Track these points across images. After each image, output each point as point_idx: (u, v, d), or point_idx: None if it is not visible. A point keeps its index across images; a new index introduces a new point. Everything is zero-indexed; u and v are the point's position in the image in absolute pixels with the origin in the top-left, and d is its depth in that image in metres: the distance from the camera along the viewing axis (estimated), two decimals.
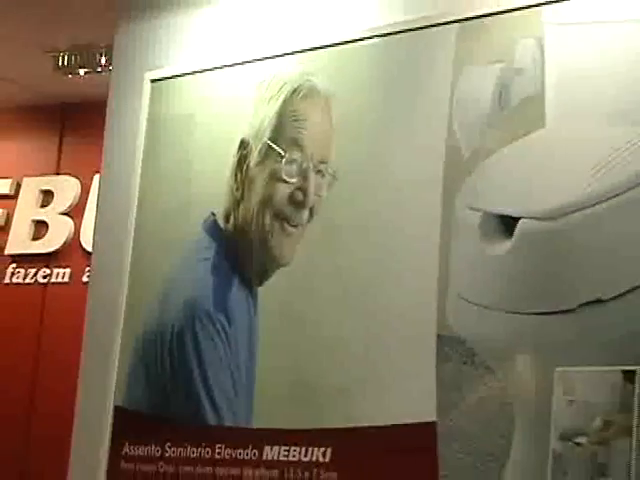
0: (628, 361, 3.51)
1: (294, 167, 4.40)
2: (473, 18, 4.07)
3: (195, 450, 4.45)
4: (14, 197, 6.69)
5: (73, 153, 6.47)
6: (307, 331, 4.29)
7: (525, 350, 3.77)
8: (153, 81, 4.87)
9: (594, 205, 3.67)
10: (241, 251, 4.50)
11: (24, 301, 6.51)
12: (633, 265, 3.58)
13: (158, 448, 4.55)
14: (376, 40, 4.32)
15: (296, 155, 4.41)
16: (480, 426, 3.83)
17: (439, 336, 3.95)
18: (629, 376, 3.51)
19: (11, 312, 6.52)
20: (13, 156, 6.78)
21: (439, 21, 4.14)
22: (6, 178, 6.73)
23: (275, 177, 4.44)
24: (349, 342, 4.18)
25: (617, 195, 3.64)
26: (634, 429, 3.48)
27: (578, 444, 3.59)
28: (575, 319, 3.66)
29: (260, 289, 4.42)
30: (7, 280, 6.59)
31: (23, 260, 6.58)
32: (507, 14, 4.00)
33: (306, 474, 4.16)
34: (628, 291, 3.56)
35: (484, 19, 4.05)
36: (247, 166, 4.52)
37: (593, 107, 3.80)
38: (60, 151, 6.62)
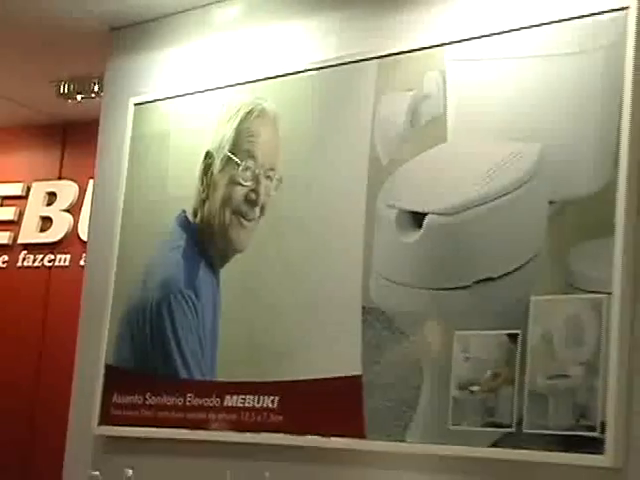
0: (512, 326, 3.63)
1: (248, 173, 4.47)
2: (390, 55, 4.13)
3: (170, 399, 4.52)
4: (25, 197, 6.67)
5: (72, 162, 6.46)
6: (258, 303, 4.36)
7: (432, 318, 3.86)
8: (136, 104, 4.90)
9: (484, 204, 3.78)
10: (206, 240, 4.57)
11: (33, 281, 6.52)
12: (516, 249, 3.69)
13: (140, 397, 4.61)
14: (313, 72, 4.37)
15: (250, 164, 4.47)
16: (396, 378, 3.89)
17: (364, 307, 4.03)
18: (513, 338, 3.61)
19: (22, 290, 6.54)
20: (24, 165, 6.78)
21: (363, 57, 4.20)
22: (18, 182, 6.71)
23: (233, 181, 4.50)
24: (291, 312, 4.25)
25: (501, 196, 3.74)
26: (516, 379, 3.57)
27: (472, 392, 3.68)
28: (471, 293, 3.75)
29: (221, 270, 4.49)
30: (19, 264, 6.58)
31: (32, 248, 6.57)
32: (417, 52, 4.06)
33: (258, 417, 4.23)
34: (513, 270, 3.66)
35: (398, 56, 4.11)
36: (211, 173, 4.58)
37: (484, 126, 3.88)
38: (62, 160, 6.62)
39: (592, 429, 3.41)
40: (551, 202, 3.66)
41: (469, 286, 3.77)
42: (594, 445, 3.39)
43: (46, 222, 6.56)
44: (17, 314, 6.49)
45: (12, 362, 6.45)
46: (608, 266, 3.46)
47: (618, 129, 3.50)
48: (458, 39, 3.96)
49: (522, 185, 3.71)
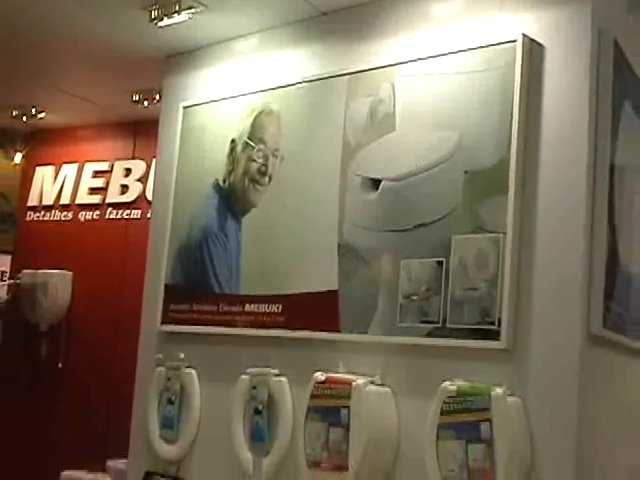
0: (439, 255, 3.65)
1: (260, 153, 4.45)
2: (356, 72, 4.12)
3: (207, 307, 4.53)
4: (110, 172, 6.68)
5: (141, 147, 6.44)
6: (267, 242, 4.35)
7: (385, 251, 3.85)
8: (184, 107, 4.89)
9: (421, 173, 3.80)
10: (232, 199, 4.54)
11: (116, 228, 6.55)
12: (442, 204, 3.71)
13: (187, 306, 4.62)
14: (304, 84, 4.36)
15: (261, 147, 4.45)
16: (361, 292, 3.90)
17: (339, 244, 4.03)
18: (439, 264, 3.64)
19: (109, 235, 6.57)
20: (109, 150, 6.79)
21: (338, 74, 4.19)
22: (105, 161, 6.73)
23: (250, 159, 4.48)
24: (289, 248, 4.25)
25: (432, 168, 3.77)
26: (442, 291, 3.61)
27: (412, 300, 3.70)
28: (411, 234, 3.77)
29: (242, 219, 4.47)
30: (107, 217, 6.60)
31: (115, 206, 6.56)
32: (375, 70, 4.05)
33: (268, 319, 4.23)
34: (439, 218, 3.68)
35: (362, 73, 4.10)
36: (235, 153, 4.56)
37: (421, 121, 3.86)
38: (134, 146, 6.61)
39: (492, 324, 3.45)
40: (466, 172, 3.66)
41: (410, 229, 3.78)
42: (493, 334, 3.44)
43: (124, 188, 6.57)
44: (106, 251, 6.53)
45: (103, 285, 6.48)
46: (503, 215, 3.49)
47: (510, 122, 3.53)
48: (404, 60, 3.96)
49: (446, 161, 3.72)
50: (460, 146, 3.69)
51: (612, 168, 3.59)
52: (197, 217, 4.67)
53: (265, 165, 4.42)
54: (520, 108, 3.53)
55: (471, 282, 3.55)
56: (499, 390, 3.32)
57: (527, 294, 3.45)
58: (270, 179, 4.40)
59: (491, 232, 3.54)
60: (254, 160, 4.47)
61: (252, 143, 4.51)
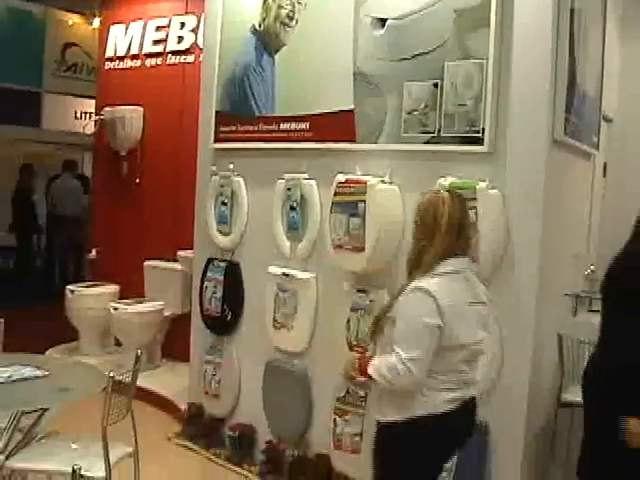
0: (435, 78, 3.54)
1: (288, 1, 4.19)
2: None
3: (249, 127, 4.39)
4: (168, 26, 6.38)
5: (192, 3, 6.12)
6: (296, 72, 4.16)
7: (392, 77, 3.71)
8: None
9: (418, 12, 3.62)
10: (267, 39, 4.30)
11: (175, 71, 6.31)
12: (436, 36, 3.54)
13: (234, 127, 4.49)
14: None
15: None
16: (372, 110, 3.78)
17: (354, 72, 3.87)
18: (435, 85, 3.55)
19: (170, 77, 6.35)
20: (167, 7, 6.44)
21: None
22: (165, 17, 6.41)
23: (280, 7, 4.23)
24: (314, 77, 4.07)
25: (428, 7, 3.59)
26: (437, 107, 3.53)
27: (414, 115, 3.64)
28: (412, 62, 3.65)
29: (276, 56, 4.25)
30: (167, 62, 6.36)
31: (174, 53, 6.25)
32: None
33: (299, 134, 4.12)
34: (435, 48, 3.53)
35: None
36: (268, 2, 4.29)
37: None
38: (187, 3, 6.26)
39: (477, 132, 3.39)
40: (455, 10, 3.48)
41: (411, 58, 3.64)
42: (478, 141, 3.39)
43: (180, 38, 6.28)
44: (168, 90, 6.34)
45: (167, 116, 6.33)
46: (486, 44, 3.36)
47: None
48: None
49: (439, 1, 3.53)
50: None
51: (572, 12, 3.46)
52: (239, 56, 4.45)
53: (292, 11, 4.18)
54: None
55: (460, 99, 3.43)
56: (483, 184, 3.32)
57: (504, 108, 3.36)
58: (297, 22, 4.16)
59: (476, 58, 3.40)
60: (283, 7, 4.22)
61: None
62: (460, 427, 2.65)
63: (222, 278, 4.56)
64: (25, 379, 3.14)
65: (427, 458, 2.59)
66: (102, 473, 3.01)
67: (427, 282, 2.48)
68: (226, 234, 4.58)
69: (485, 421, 3.27)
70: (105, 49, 6.97)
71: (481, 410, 2.81)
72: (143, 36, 6.59)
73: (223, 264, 4.58)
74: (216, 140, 4.62)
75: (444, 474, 3.16)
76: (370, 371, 2.53)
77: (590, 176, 4.33)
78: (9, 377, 3.12)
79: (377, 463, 2.64)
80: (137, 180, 6.63)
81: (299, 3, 4.15)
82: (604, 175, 4.84)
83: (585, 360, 3.10)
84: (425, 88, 3.55)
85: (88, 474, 2.96)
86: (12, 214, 10.32)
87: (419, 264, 2.57)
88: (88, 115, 9.54)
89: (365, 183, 3.62)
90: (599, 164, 4.64)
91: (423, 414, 2.50)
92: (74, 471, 1.69)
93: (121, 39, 6.81)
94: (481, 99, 3.35)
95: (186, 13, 6.28)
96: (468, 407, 2.64)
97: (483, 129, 3.34)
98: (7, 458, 3.06)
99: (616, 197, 4.88)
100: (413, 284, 2.50)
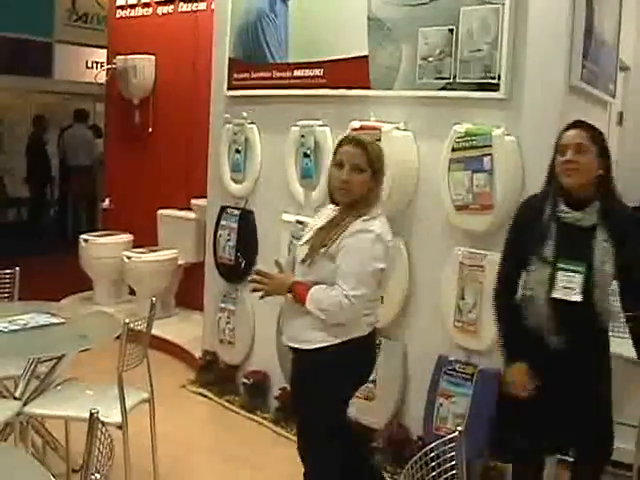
0: (450, 24, 3.48)
1: None
2: None
3: (263, 74, 4.33)
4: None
5: None
6: (310, 19, 4.07)
7: (407, 22, 3.62)
8: None
9: None
10: None
11: (187, 19, 6.22)
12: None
13: (247, 74, 4.43)
14: None
15: None
16: (386, 56, 3.72)
17: (369, 17, 3.79)
18: (451, 31, 3.51)
19: (182, 25, 6.26)
20: None
21: None
22: None
23: None
24: (328, 23, 3.99)
25: None
26: (452, 54, 3.48)
27: (429, 61, 3.62)
28: (427, 7, 3.57)
29: (289, 2, 4.17)
30: (179, 10, 6.27)
31: (186, 1, 6.18)
32: None
33: (312, 80, 4.06)
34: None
35: None
36: None
37: None
38: None
39: (493, 78, 3.34)
40: None
41: (427, 3, 3.57)
42: (494, 87, 3.35)
43: None
44: (180, 38, 6.26)
45: (180, 64, 6.26)
46: None
47: None
48: None
49: None
50: None
51: None
52: (252, 3, 4.37)
53: None
54: None
55: (476, 45, 3.38)
56: (498, 131, 3.29)
57: (521, 53, 3.31)
58: None
59: (492, 3, 3.33)
60: None
61: None
62: (376, 347, 2.99)
63: (236, 226, 4.56)
64: (41, 326, 3.15)
65: (354, 378, 2.81)
66: (118, 418, 3.04)
67: (375, 225, 2.64)
68: (240, 182, 4.57)
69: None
70: None
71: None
72: None
73: (237, 212, 4.58)
74: (229, 88, 4.57)
75: (459, 420, 3.26)
76: (308, 304, 2.64)
77: (606, 124, 4.28)
78: (25, 324, 3.13)
79: (303, 390, 2.78)
80: (150, 129, 6.61)
81: None
82: (620, 124, 4.80)
83: None
84: (440, 34, 3.50)
85: (105, 419, 3.00)
86: (26, 165, 10.35)
87: (367, 203, 2.69)
88: (100, 65, 9.47)
89: (380, 129, 3.58)
90: (615, 112, 4.59)
91: (354, 336, 2.68)
92: (91, 414, 1.71)
93: None
94: (497, 45, 3.30)
95: None
96: (375, 329, 2.87)
97: (499, 75, 3.30)
98: (25, 404, 3.11)
99: (631, 145, 4.86)
100: (360, 224, 2.63)
